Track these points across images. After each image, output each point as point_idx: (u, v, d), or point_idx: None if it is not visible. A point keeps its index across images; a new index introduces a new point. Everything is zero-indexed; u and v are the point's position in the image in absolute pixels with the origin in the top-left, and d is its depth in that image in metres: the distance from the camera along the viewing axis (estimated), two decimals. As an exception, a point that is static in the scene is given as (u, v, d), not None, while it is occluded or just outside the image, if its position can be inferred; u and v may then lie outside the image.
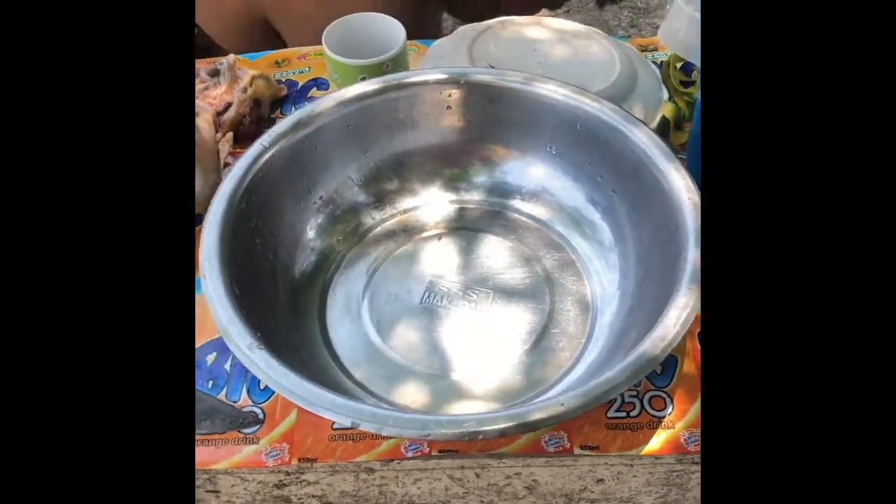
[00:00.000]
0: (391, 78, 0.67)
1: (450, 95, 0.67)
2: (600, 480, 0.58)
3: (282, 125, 0.63)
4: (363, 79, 0.70)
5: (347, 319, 0.63)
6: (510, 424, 0.46)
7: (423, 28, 0.96)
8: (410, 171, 0.70)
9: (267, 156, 0.61)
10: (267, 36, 0.99)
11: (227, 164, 0.73)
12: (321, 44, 0.74)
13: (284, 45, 0.98)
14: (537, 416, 0.46)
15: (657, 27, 2.28)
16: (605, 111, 0.63)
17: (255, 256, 0.60)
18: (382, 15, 0.75)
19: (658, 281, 0.57)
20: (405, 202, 0.70)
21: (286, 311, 0.61)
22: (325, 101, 0.65)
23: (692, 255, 0.53)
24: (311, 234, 0.66)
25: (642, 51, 0.86)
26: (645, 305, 0.58)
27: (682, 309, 0.51)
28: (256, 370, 0.49)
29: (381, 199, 0.70)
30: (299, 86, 0.84)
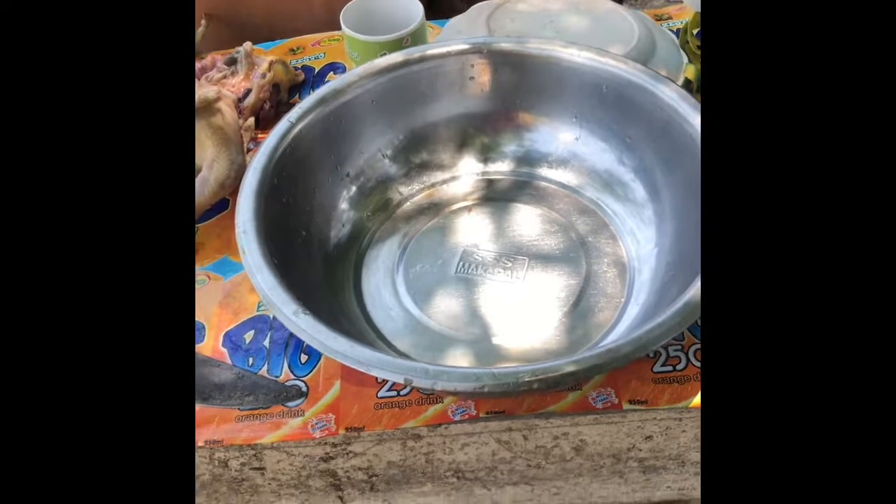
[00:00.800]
0: (413, 51, 0.67)
1: (472, 65, 0.67)
2: (649, 437, 0.58)
3: (307, 101, 0.63)
4: (383, 55, 0.70)
5: (384, 292, 0.63)
6: (565, 372, 0.45)
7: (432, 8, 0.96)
8: (437, 143, 0.70)
9: (295, 131, 0.61)
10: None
11: (249, 150, 0.73)
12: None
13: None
14: (592, 362, 0.46)
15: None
16: (630, 71, 0.63)
17: (289, 232, 0.59)
18: (398, -8, 0.75)
19: (696, 234, 0.57)
20: (433, 176, 0.70)
21: (323, 285, 0.61)
22: (348, 77, 0.65)
23: (732, 202, 0.53)
24: (343, 206, 0.66)
25: (657, 20, 0.86)
26: (684, 259, 0.57)
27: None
28: (304, 335, 0.49)
29: (409, 173, 0.69)
30: (316, 71, 0.84)
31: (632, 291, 0.61)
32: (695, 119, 0.59)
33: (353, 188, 0.66)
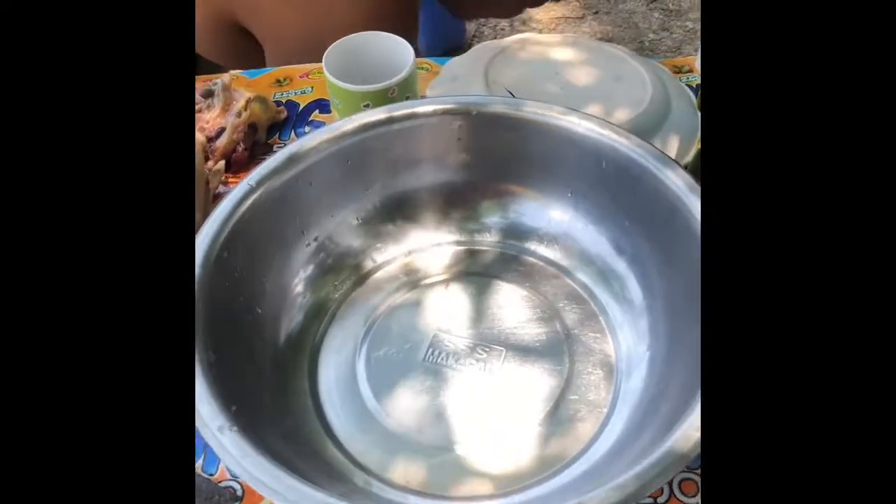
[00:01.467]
0: (396, 107, 0.60)
1: (460, 127, 0.61)
2: (622, 572, 0.51)
3: (272, 161, 0.57)
4: (367, 106, 0.64)
5: (341, 380, 0.57)
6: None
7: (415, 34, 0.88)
8: (416, 210, 0.63)
9: (254, 197, 0.55)
10: (242, 40, 0.92)
11: (216, 197, 0.67)
12: (299, 48, 0.67)
13: (261, 49, 0.91)
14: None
15: (689, 30, 2.20)
16: (633, 148, 0.56)
17: (236, 311, 0.53)
18: (388, 34, 0.68)
19: (693, 347, 0.50)
20: (409, 244, 0.64)
21: (271, 372, 0.54)
22: (320, 134, 0.58)
23: (733, 324, 0.46)
24: (305, 277, 0.59)
25: (676, 72, 0.79)
26: (677, 373, 0.51)
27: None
28: (227, 457, 0.43)
29: (382, 241, 0.63)
30: (300, 108, 0.77)
31: (617, 400, 0.55)
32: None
33: (320, 256, 0.60)
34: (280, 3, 0.83)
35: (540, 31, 2.05)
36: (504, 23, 2.10)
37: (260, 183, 0.55)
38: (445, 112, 0.60)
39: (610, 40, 2.20)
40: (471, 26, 2.02)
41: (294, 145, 0.58)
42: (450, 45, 1.83)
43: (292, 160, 0.57)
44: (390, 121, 0.60)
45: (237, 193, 0.55)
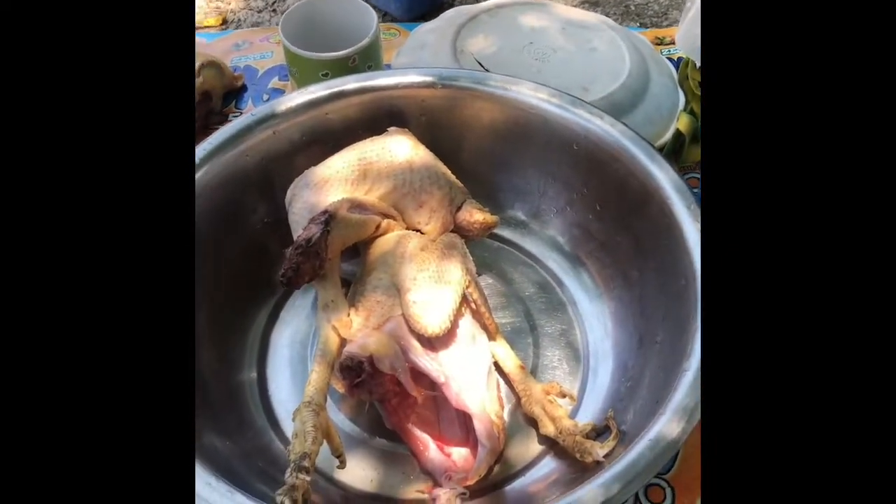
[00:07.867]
0: (355, 79, 0.56)
1: (424, 101, 0.57)
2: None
3: (216, 137, 0.53)
4: (325, 75, 0.60)
5: (293, 367, 0.53)
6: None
7: None
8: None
9: (199, 174, 0.51)
10: None
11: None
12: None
13: None
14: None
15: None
16: (606, 129, 0.53)
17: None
18: (351, -2, 0.64)
19: (663, 345, 0.48)
20: (370, 224, 0.60)
21: (215, 364, 0.51)
22: (272, 106, 0.54)
23: (705, 324, 0.43)
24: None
25: (657, 44, 0.75)
26: (646, 373, 0.48)
27: (690, 397, 0.41)
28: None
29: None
30: (260, 73, 0.73)
31: (583, 396, 0.52)
32: (677, 205, 0.48)
33: (277, 236, 0.56)
34: None
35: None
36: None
37: (204, 160, 0.52)
38: (408, 86, 0.56)
39: (595, 3, 2.15)
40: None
41: (241, 119, 0.54)
42: (427, 6, 1.77)
43: (239, 136, 0.54)
44: (345, 94, 0.56)
45: (179, 171, 0.51)
